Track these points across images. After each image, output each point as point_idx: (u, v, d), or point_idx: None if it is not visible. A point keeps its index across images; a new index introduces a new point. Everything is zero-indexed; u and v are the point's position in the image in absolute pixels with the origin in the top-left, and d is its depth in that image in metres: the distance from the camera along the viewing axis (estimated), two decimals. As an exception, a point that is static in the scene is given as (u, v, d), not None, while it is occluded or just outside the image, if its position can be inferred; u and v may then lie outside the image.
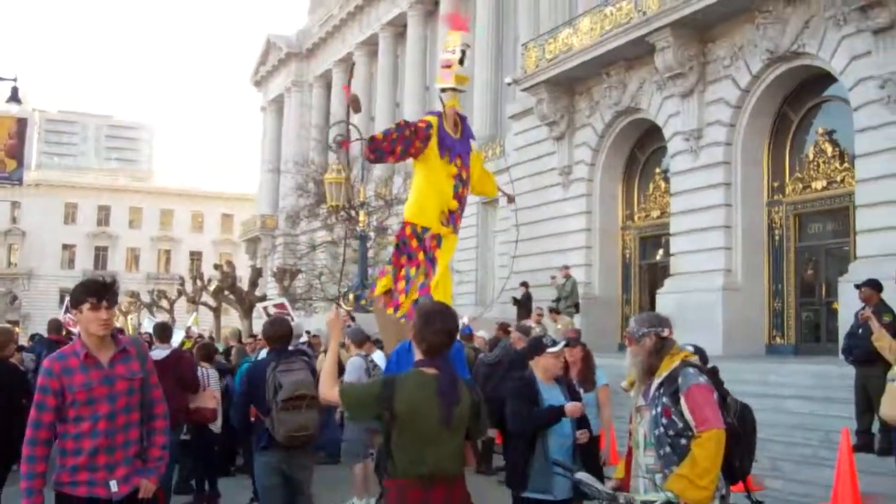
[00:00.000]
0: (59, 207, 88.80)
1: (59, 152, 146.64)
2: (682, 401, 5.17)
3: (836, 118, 20.09)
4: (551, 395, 6.89)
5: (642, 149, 25.99)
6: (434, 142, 6.92)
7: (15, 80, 26.74)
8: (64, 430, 5.14)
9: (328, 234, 37.71)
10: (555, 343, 7.02)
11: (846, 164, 19.50)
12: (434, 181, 6.99)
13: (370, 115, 45.49)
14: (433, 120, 7.05)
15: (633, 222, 26.28)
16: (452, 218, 7.19)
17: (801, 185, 20.76)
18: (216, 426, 11.74)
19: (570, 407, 6.72)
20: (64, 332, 15.21)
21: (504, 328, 16.29)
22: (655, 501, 5.05)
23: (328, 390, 4.99)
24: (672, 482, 5.06)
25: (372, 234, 30.85)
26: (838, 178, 19.83)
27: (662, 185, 24.82)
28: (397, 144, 6.80)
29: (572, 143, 26.78)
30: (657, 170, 25.38)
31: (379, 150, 6.82)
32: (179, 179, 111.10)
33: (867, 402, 11.44)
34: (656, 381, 5.34)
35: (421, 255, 6.75)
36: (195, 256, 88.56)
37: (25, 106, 43.11)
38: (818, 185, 20.30)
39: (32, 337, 25.32)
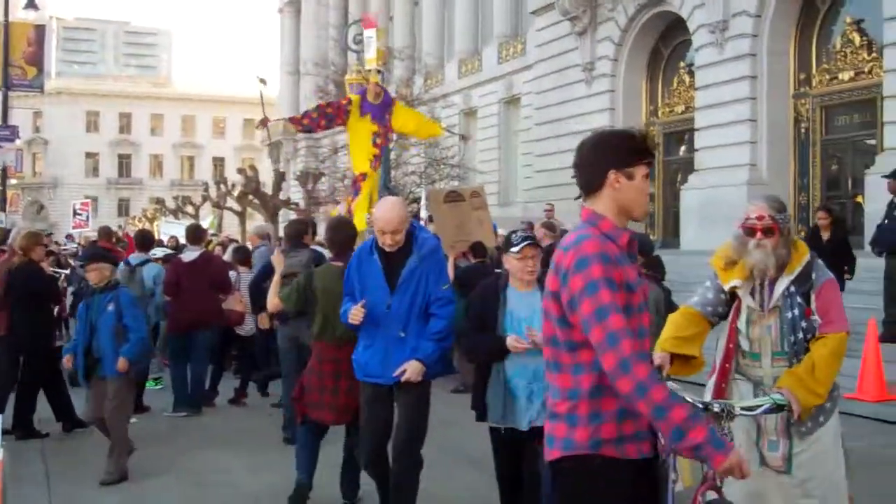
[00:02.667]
0: (81, 115, 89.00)
1: (77, 60, 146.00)
2: (813, 299, 4.64)
3: (863, 6, 19.69)
4: (521, 304, 5.60)
5: (666, 42, 25.61)
6: (356, 112, 10.81)
7: (31, -15, 26.51)
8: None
9: (350, 137, 37.54)
10: (527, 239, 5.51)
11: (874, 54, 19.19)
12: (360, 139, 10.96)
13: (389, 14, 44.93)
14: (355, 98, 11.25)
15: (657, 118, 26.04)
16: (376, 159, 11.19)
17: (827, 77, 20.47)
18: (244, 329, 11.90)
19: (512, 341, 5.41)
20: (114, 240, 15.35)
21: (530, 227, 16.29)
22: (761, 406, 4.29)
23: (272, 301, 7.33)
24: (785, 379, 4.51)
25: (394, 136, 30.67)
26: (866, 69, 19.54)
27: (687, 79, 24.52)
28: (320, 119, 11.09)
29: (595, 38, 26.41)
30: (681, 64, 25.04)
31: (303, 126, 11.53)
32: (199, 85, 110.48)
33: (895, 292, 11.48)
34: (786, 279, 4.64)
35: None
36: (218, 162, 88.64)
37: (42, 12, 42.83)
38: (845, 76, 20.02)
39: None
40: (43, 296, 9.98)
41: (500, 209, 32.09)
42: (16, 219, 61.63)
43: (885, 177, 12.02)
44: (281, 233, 28.18)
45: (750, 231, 4.63)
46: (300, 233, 9.64)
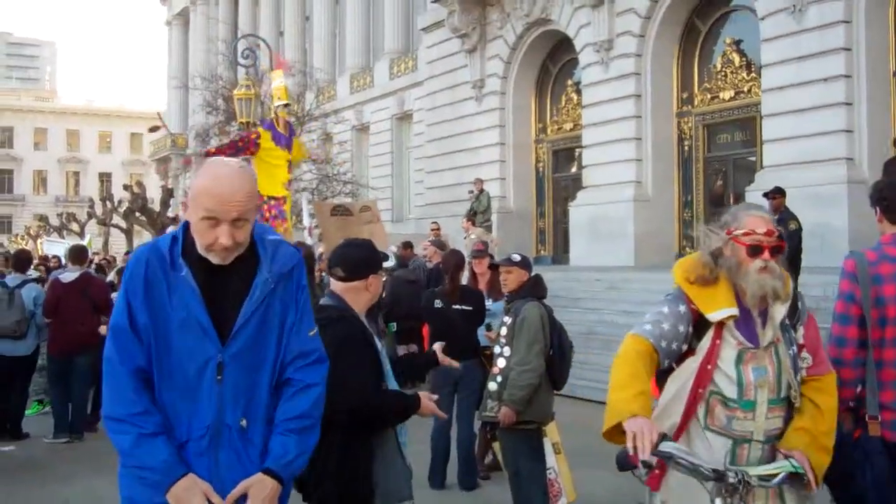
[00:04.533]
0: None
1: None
2: (801, 333, 3.75)
3: (743, 28, 20.29)
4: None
5: (554, 61, 25.97)
6: (269, 142, 12.10)
7: None
8: (879, 356, 4.24)
9: (240, 152, 37.09)
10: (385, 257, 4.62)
11: (753, 74, 19.78)
12: (276, 165, 11.80)
13: (279, 29, 44.64)
14: (265, 132, 12.72)
15: (545, 135, 26.37)
16: (290, 184, 11.78)
17: (709, 96, 21.03)
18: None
19: (429, 405, 4.19)
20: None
21: (407, 246, 16.24)
22: (778, 474, 3.52)
23: None
24: (794, 438, 3.65)
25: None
26: (745, 88, 20.13)
27: (574, 97, 24.90)
28: (226, 150, 11.61)
29: (484, 55, 26.63)
30: (569, 82, 25.43)
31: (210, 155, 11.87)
32: (85, 98, 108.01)
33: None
34: (782, 308, 3.66)
35: (266, 215, 11.26)
36: (104, 178, 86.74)
37: (-83, 24, 41.25)
38: (726, 95, 20.59)
39: None
40: None
41: (392, 225, 32.08)
42: None
43: (766, 195, 12.35)
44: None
45: (755, 249, 3.56)
46: None
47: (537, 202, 26.56)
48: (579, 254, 22.28)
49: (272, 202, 11.56)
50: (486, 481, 8.14)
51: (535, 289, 6.72)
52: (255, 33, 38.00)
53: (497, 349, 6.65)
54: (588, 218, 22.04)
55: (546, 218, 26.31)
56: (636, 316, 14.91)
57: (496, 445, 6.97)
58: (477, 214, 21.85)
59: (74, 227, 48.90)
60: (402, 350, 14.11)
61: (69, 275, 10.84)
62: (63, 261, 19.82)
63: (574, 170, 25.23)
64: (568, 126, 25.40)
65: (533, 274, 6.80)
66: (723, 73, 20.69)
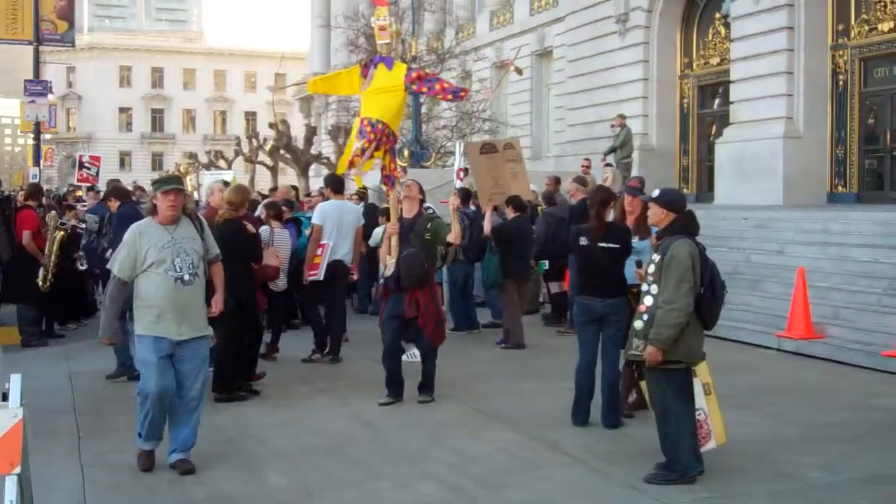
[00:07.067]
0: (114, 70, 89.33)
1: (108, 14, 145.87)
2: None
3: (906, -45, 19.19)
4: None
5: (701, -7, 25.16)
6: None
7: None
8: None
9: (381, 91, 37.31)
10: None
11: (916, 4, 18.74)
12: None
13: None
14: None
15: (691, 70, 25.63)
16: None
17: (867, 28, 20.02)
18: (277, 285, 11.74)
19: None
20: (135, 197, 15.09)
21: (556, 181, 16.13)
22: None
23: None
24: None
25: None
26: (907, 19, 19.09)
27: (722, 30, 24.08)
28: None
29: (629, -12, 25.98)
30: (717, 15, 24.58)
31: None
32: (230, 39, 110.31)
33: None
34: None
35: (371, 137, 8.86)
36: (250, 116, 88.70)
37: (73, -33, 42.60)
38: (885, 26, 19.56)
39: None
40: (245, 253, 9.46)
41: (531, 163, 31.80)
42: (51, 173, 61.72)
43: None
44: (312, 187, 28.18)
45: None
46: None
47: (681, 139, 25.94)
48: (724, 192, 21.70)
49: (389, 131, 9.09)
50: (630, 420, 8.05)
51: (686, 226, 6.54)
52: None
53: (644, 287, 6.52)
54: (735, 155, 21.40)
55: (690, 155, 25.68)
56: (784, 256, 14.47)
57: (643, 384, 6.86)
58: (616, 150, 21.45)
59: (222, 163, 50.18)
60: (554, 287, 14.11)
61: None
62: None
63: (720, 106, 24.46)
64: (715, 61, 24.62)
65: (686, 210, 6.61)
66: (882, 3, 19.63)
